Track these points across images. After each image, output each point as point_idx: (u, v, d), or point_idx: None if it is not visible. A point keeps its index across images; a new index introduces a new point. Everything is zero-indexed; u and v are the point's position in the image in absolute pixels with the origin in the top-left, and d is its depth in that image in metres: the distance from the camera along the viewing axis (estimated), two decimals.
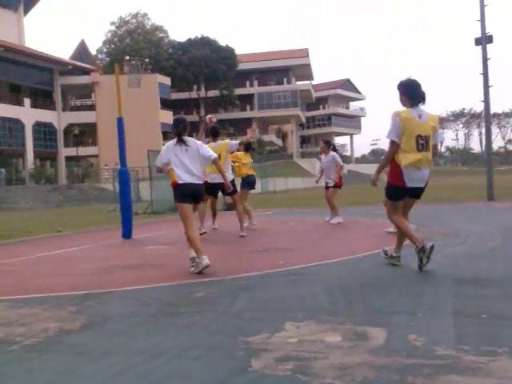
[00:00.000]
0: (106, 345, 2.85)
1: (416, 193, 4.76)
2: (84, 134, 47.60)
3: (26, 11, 46.56)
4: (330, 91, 77.00)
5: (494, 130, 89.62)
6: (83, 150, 45.12)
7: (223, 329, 3.04)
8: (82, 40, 63.50)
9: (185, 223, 5.27)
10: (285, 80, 63.54)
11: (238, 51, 58.55)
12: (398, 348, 2.52)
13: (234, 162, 9.69)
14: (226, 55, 55.96)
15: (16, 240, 9.58)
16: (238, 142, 8.87)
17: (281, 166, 45.31)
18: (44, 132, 42.85)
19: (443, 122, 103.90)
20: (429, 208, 13.27)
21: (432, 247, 4.52)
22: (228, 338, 2.83)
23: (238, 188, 9.60)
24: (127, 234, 9.02)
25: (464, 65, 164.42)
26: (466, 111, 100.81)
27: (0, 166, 36.92)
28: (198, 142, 5.54)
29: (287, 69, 63.95)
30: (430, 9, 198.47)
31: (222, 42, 57.57)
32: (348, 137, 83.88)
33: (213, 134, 8.68)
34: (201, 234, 8.10)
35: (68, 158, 44.23)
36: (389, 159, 4.66)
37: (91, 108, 46.46)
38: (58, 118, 43.98)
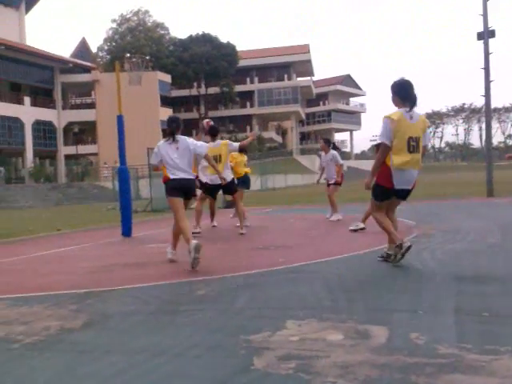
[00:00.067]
0: (107, 343, 2.85)
1: (403, 194, 4.81)
2: (84, 132, 47.55)
3: (28, 9, 46.48)
4: (330, 87, 76.92)
5: (494, 124, 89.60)
6: (83, 149, 45.08)
7: (224, 327, 3.03)
8: (83, 38, 63.36)
9: (176, 216, 5.49)
10: (285, 76, 63.44)
11: (239, 48, 58.50)
12: (400, 346, 2.51)
13: (230, 161, 9.67)
14: (227, 52, 55.85)
15: (16, 239, 9.57)
16: (238, 144, 8.79)
17: (280, 162, 45.32)
18: (44, 130, 42.79)
19: (443, 117, 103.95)
20: (429, 204, 13.27)
21: (409, 248, 4.62)
22: (229, 337, 2.82)
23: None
24: (127, 232, 9.01)
25: (464, 59, 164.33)
26: (466, 106, 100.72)
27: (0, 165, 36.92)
28: (190, 140, 5.75)
29: (288, 65, 63.82)
30: (431, 3, 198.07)
31: (223, 39, 57.56)
32: (348, 133, 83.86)
33: (211, 133, 8.65)
34: (194, 233, 8.10)
35: (67, 157, 44.18)
36: (381, 162, 4.70)
37: (91, 106, 46.37)
38: (57, 117, 43.91)
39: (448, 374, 2.15)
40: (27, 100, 41.27)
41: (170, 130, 5.67)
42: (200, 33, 57.30)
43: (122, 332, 3.07)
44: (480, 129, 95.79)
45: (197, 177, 6.11)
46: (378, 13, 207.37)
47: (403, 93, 4.69)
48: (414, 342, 2.56)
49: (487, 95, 15.87)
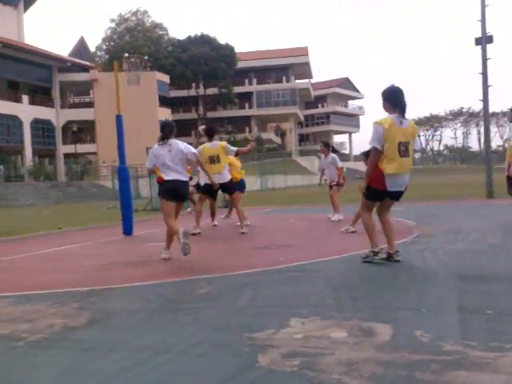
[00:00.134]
0: (110, 341, 2.85)
1: (396, 195, 4.96)
2: (82, 131, 47.47)
3: (26, 8, 46.42)
4: (328, 90, 77.04)
5: (493, 128, 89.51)
6: (82, 147, 45.04)
7: (227, 325, 3.04)
8: (82, 37, 63.21)
9: (166, 221, 5.77)
10: (284, 78, 63.48)
11: (238, 49, 58.55)
12: (405, 344, 2.52)
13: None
14: (226, 53, 55.85)
15: (16, 237, 9.56)
16: (236, 149, 8.79)
17: (280, 163, 45.35)
18: (42, 129, 42.71)
19: (441, 120, 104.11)
20: (429, 205, 13.29)
21: (382, 259, 4.82)
22: (233, 335, 2.82)
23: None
24: (128, 230, 9.03)
25: (462, 64, 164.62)
26: (464, 110, 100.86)
27: None
28: (183, 144, 5.99)
29: (286, 67, 63.87)
30: (429, 7, 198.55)
31: (222, 40, 57.56)
32: (347, 135, 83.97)
33: (208, 134, 8.64)
34: (194, 234, 8.10)
35: (66, 155, 44.13)
36: (373, 166, 4.82)
37: (90, 105, 46.33)
38: (56, 115, 43.85)
39: (453, 371, 2.15)
40: (25, 98, 41.18)
41: (163, 135, 5.93)
42: (199, 34, 57.30)
43: (126, 330, 3.07)
44: (478, 132, 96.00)
45: (190, 178, 6.21)
46: (377, 17, 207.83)
47: (393, 99, 4.85)
48: (419, 340, 2.57)
49: (485, 100, 15.94)
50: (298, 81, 67.39)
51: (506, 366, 2.19)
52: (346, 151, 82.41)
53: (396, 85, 4.94)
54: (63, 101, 46.55)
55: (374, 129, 4.78)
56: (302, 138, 78.22)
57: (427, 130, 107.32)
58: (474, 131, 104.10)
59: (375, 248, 4.89)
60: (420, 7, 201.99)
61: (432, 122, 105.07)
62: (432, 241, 6.34)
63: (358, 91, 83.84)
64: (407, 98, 4.87)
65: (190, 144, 6.57)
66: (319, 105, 77.45)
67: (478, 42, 15.87)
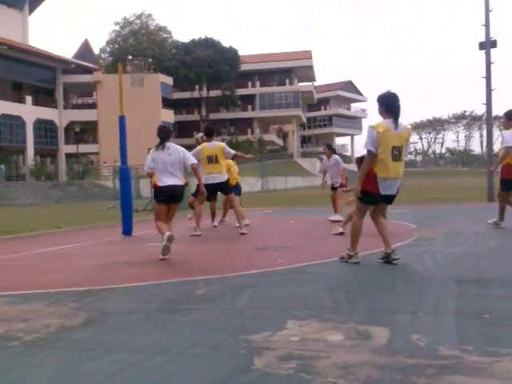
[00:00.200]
0: (107, 341, 2.84)
1: (388, 199, 5.08)
2: (85, 132, 47.61)
3: (31, 10, 46.55)
4: (331, 92, 77.10)
5: (495, 132, 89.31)
6: (84, 148, 45.16)
7: (225, 326, 3.03)
8: (86, 40, 63.41)
9: (156, 222, 6.09)
10: (287, 81, 63.55)
11: (241, 52, 58.63)
12: (401, 348, 2.51)
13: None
14: (230, 56, 55.93)
15: (16, 236, 9.57)
16: (233, 152, 8.79)
17: (281, 165, 45.31)
18: (45, 129, 42.85)
19: (444, 123, 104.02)
20: (429, 208, 13.27)
21: (354, 263, 5.00)
22: (230, 336, 2.81)
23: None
24: (127, 230, 9.03)
25: (466, 68, 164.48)
26: (467, 113, 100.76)
27: (0, 163, 36.96)
28: (180, 148, 6.25)
29: (290, 70, 63.94)
30: (433, 11, 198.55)
31: (226, 43, 57.68)
32: (349, 137, 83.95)
33: (207, 134, 8.66)
34: (194, 235, 8.09)
35: (68, 155, 44.26)
36: (368, 169, 4.91)
37: (93, 106, 46.44)
38: (59, 116, 44.00)
39: (449, 376, 2.14)
40: (29, 99, 41.35)
41: (160, 139, 6.16)
42: (203, 37, 57.41)
43: (123, 330, 3.07)
44: (481, 136, 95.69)
45: (186, 184, 6.34)
46: (381, 20, 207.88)
47: (389, 105, 4.94)
48: (415, 344, 2.56)
49: (488, 103, 15.95)
50: (301, 83, 67.43)
51: (502, 371, 2.18)
52: (348, 153, 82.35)
53: (391, 91, 5.05)
54: (66, 102, 46.70)
55: (369, 133, 4.88)
56: (304, 140, 78.20)
57: (429, 133, 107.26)
58: (476, 134, 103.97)
59: (351, 252, 5.07)
60: (422, 9, 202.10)
61: (435, 125, 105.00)
62: (432, 244, 6.33)
63: (361, 94, 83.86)
64: (403, 102, 4.99)
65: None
66: (322, 107, 77.49)
67: (481, 46, 15.91)
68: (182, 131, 55.76)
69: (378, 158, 4.81)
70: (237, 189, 10.30)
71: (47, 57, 42.70)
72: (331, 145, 11.21)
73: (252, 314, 3.29)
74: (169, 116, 48.91)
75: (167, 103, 49.25)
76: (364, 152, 5.07)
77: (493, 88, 15.79)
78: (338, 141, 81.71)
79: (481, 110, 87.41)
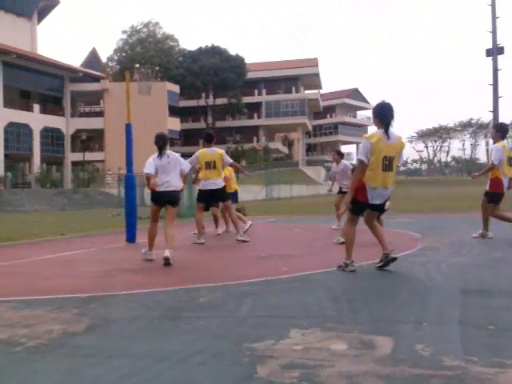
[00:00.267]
0: (110, 348, 2.83)
1: (377, 208, 5.17)
2: (91, 140, 47.88)
3: (40, 19, 47.07)
4: (337, 100, 77.20)
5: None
6: (90, 156, 45.38)
7: (227, 334, 3.01)
8: (94, 48, 64.06)
9: (150, 221, 6.78)
10: (293, 89, 63.70)
11: (248, 60, 58.91)
12: (405, 358, 2.49)
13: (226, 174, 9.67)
14: (236, 64, 56.19)
15: (20, 242, 9.59)
16: (231, 161, 8.75)
17: (286, 173, 45.25)
18: (52, 137, 43.15)
19: (450, 131, 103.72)
20: (434, 217, 13.21)
21: (351, 271, 5.05)
22: (233, 344, 2.80)
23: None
24: (131, 238, 9.03)
25: (473, 75, 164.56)
26: (473, 121, 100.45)
27: (7, 170, 37.17)
28: (178, 157, 6.62)
29: (296, 78, 64.10)
30: (441, 19, 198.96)
31: (232, 51, 58.00)
32: (355, 145, 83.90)
33: (206, 140, 8.68)
34: (197, 243, 8.07)
35: (74, 163, 44.49)
36: (359, 178, 5.03)
37: (99, 114, 46.76)
38: (66, 124, 44.31)
39: None
40: (36, 107, 41.71)
41: (158, 147, 6.50)
42: (209, 45, 57.74)
43: (125, 337, 3.06)
44: (487, 144, 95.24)
45: (182, 189, 6.79)
46: (388, 28, 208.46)
47: (383, 115, 5.02)
48: (419, 354, 2.53)
49: (495, 111, 15.92)
50: (307, 91, 67.56)
51: (507, 382, 2.15)
52: (354, 161, 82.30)
53: (386, 101, 5.12)
54: (73, 110, 47.06)
55: (363, 143, 5.03)
56: (310, 148, 78.24)
57: (435, 141, 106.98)
58: (482, 143, 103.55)
59: (347, 260, 5.11)
60: (431, 18, 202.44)
61: (440, 133, 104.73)
62: (436, 253, 6.28)
63: (367, 102, 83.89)
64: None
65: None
66: (328, 115, 77.58)
67: (488, 53, 15.92)
68: (188, 139, 56.00)
69: (369, 168, 4.93)
70: (234, 196, 10.25)
71: (55, 65, 43.09)
72: (340, 151, 11.24)
73: (255, 322, 3.27)
74: (175, 124, 49.13)
75: (174, 111, 49.50)
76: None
77: (500, 95, 15.79)
78: (344, 149, 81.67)
79: (487, 117, 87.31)
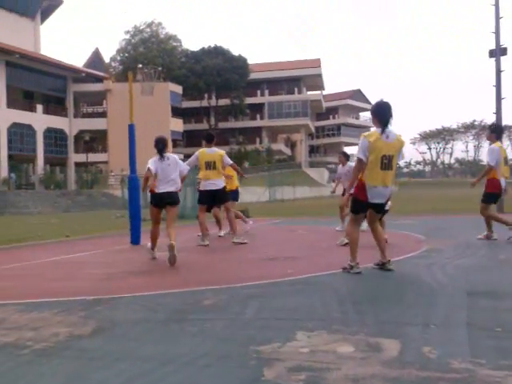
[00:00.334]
0: (116, 351, 2.84)
1: (377, 208, 5.18)
2: (94, 141, 47.93)
3: (43, 19, 47.21)
4: (340, 101, 77.16)
5: (505, 142, 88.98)
6: (93, 157, 45.39)
7: (233, 337, 3.01)
8: (97, 48, 64.11)
9: (152, 223, 6.93)
10: (296, 90, 63.68)
11: (250, 61, 58.92)
12: (412, 360, 2.48)
13: (228, 173, 9.66)
14: (239, 65, 56.22)
15: (25, 244, 9.61)
16: (231, 162, 8.71)
17: (289, 174, 45.28)
18: (55, 138, 43.19)
19: (453, 133, 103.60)
20: (438, 219, 13.18)
21: (356, 273, 5.02)
22: (239, 347, 2.80)
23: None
24: (135, 240, 9.02)
25: (476, 76, 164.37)
26: (476, 123, 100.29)
27: (11, 171, 37.26)
28: (178, 159, 6.82)
29: (298, 79, 64.09)
30: (443, 20, 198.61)
31: (235, 52, 58.01)
32: (357, 147, 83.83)
33: (207, 139, 8.67)
34: (201, 245, 8.07)
35: (78, 164, 44.54)
36: (356, 176, 5.09)
37: (103, 115, 46.82)
38: (69, 125, 44.36)
39: None
40: (39, 108, 41.75)
41: (158, 150, 6.65)
42: (212, 45, 57.79)
43: (131, 340, 3.06)
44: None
45: (179, 190, 6.89)
46: (390, 29, 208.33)
47: (381, 115, 5.05)
48: (427, 356, 2.53)
49: (498, 112, 15.86)
50: (309, 92, 67.54)
51: None
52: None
53: (383, 100, 5.15)
54: (76, 110, 47.11)
55: (361, 142, 5.05)
56: (313, 150, 78.21)
57: (438, 143, 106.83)
58: (485, 144, 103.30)
59: (352, 262, 5.09)
60: (434, 19, 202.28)
61: (444, 135, 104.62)
62: (441, 255, 6.27)
63: (369, 103, 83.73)
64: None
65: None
66: (331, 116, 77.53)
67: (491, 54, 15.87)
68: (190, 140, 56.03)
69: (368, 167, 4.96)
70: (235, 194, 10.25)
71: (58, 65, 43.17)
72: (346, 152, 11.21)
73: (261, 325, 3.27)
74: (178, 125, 49.15)
75: (176, 112, 49.53)
76: None
77: (503, 97, 15.73)
78: (347, 151, 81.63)
79: (490, 119, 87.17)
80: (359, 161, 5.03)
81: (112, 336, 3.17)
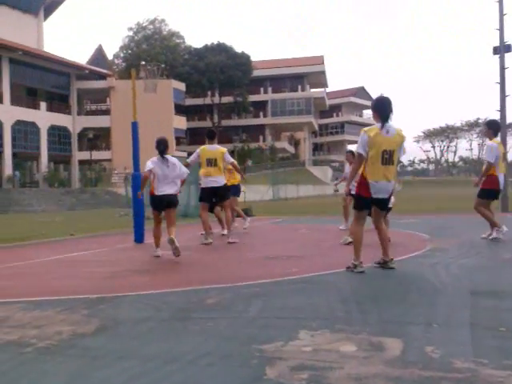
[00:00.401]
0: (119, 349, 2.84)
1: (381, 204, 5.19)
2: (98, 138, 47.99)
3: (46, 16, 47.24)
4: (343, 99, 77.03)
5: (509, 140, 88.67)
6: (97, 154, 45.47)
7: (236, 336, 3.02)
8: (100, 45, 64.13)
9: (154, 225, 7.13)
10: (299, 87, 63.60)
11: (254, 58, 58.88)
12: (415, 360, 2.48)
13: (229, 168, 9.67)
14: (242, 62, 56.17)
15: (29, 242, 9.64)
16: (232, 160, 8.74)
17: (293, 173, 45.25)
18: (59, 135, 43.25)
19: (457, 131, 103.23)
20: (442, 218, 13.16)
21: (360, 272, 5.01)
22: (241, 345, 2.80)
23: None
24: (139, 238, 9.04)
25: (480, 73, 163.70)
26: (480, 121, 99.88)
27: (15, 169, 37.36)
28: (178, 162, 6.92)
29: (302, 76, 64.01)
30: (447, 17, 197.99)
31: (238, 49, 57.95)
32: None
33: (208, 136, 8.66)
34: (205, 244, 8.07)
35: (81, 162, 44.60)
36: (356, 170, 5.13)
37: (106, 112, 46.85)
38: (72, 122, 44.42)
39: None
40: (43, 105, 41.80)
41: (159, 151, 6.73)
42: (215, 42, 57.75)
43: (134, 338, 3.07)
44: None
45: (179, 192, 7.03)
46: (394, 27, 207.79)
47: (381, 110, 5.07)
48: (429, 356, 2.53)
49: (502, 110, 15.81)
50: (313, 90, 67.45)
51: None
52: None
53: (384, 95, 5.18)
54: (80, 108, 47.14)
55: (361, 137, 5.06)
56: (316, 148, 78.11)
57: (442, 141, 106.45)
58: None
59: (356, 261, 5.09)
60: (437, 16, 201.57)
61: (447, 133, 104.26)
62: (445, 254, 6.26)
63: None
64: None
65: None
66: (334, 114, 77.40)
67: (495, 51, 15.82)
68: (194, 138, 56.04)
69: (369, 162, 4.98)
70: (236, 189, 10.26)
71: (61, 63, 43.20)
72: (353, 151, 11.17)
73: (264, 324, 3.27)
74: (181, 123, 49.14)
75: (180, 109, 49.53)
76: None
77: (507, 94, 15.68)
78: (350, 148, 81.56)
79: (495, 116, 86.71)
80: (359, 155, 5.08)
81: (115, 334, 3.17)
